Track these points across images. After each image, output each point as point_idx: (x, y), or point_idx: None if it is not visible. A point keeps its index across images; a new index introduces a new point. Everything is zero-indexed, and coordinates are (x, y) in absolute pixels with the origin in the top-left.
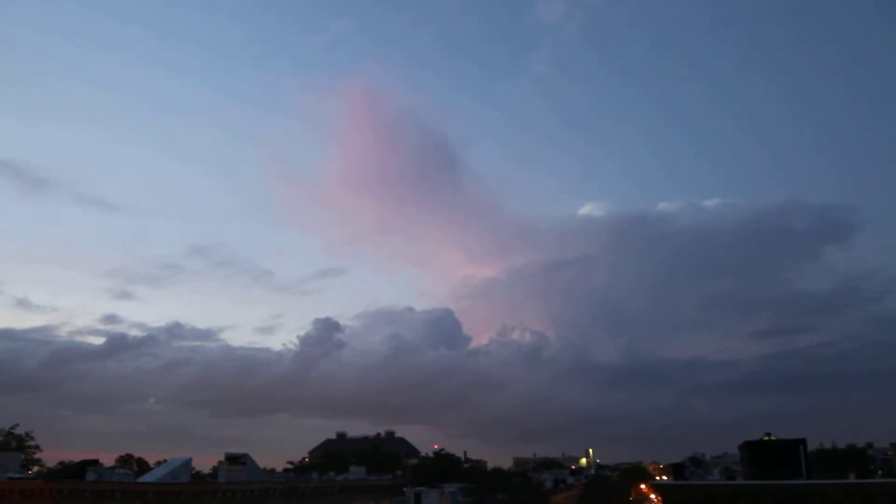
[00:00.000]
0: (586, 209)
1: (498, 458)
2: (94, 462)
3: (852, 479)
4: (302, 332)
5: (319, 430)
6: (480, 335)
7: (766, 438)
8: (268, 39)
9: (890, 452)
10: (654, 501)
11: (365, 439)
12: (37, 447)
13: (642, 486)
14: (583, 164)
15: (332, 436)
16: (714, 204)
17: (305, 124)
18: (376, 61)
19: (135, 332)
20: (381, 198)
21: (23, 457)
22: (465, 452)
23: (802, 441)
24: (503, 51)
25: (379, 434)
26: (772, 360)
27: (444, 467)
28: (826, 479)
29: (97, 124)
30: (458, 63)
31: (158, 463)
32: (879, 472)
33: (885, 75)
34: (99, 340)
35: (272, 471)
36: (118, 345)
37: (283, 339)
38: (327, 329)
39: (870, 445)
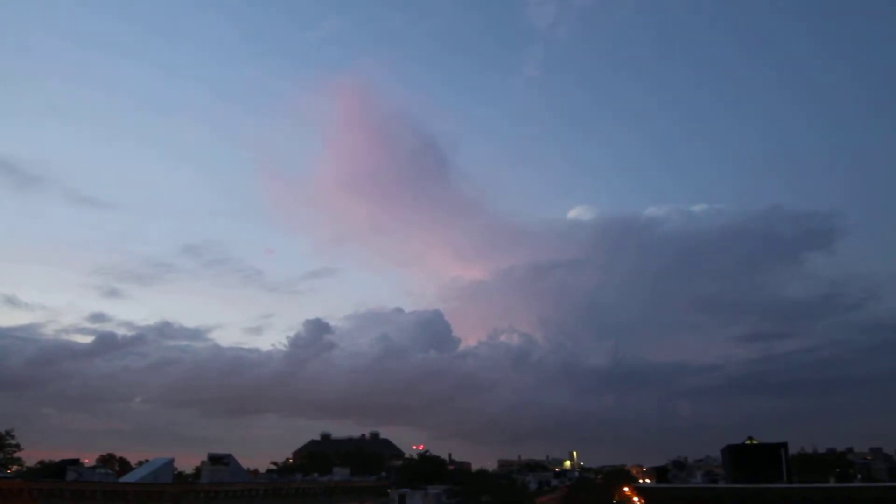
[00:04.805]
0: (575, 212)
1: (482, 460)
2: (75, 461)
3: (832, 484)
4: (291, 333)
5: (305, 431)
6: (468, 337)
7: (748, 442)
8: (260, 37)
9: (869, 457)
10: None
11: (349, 440)
12: (17, 446)
13: (625, 489)
14: (572, 167)
15: (317, 437)
16: (701, 209)
17: (297, 123)
18: (369, 60)
19: (123, 331)
20: (371, 197)
21: (1, 455)
22: (450, 454)
23: (784, 445)
24: (494, 52)
25: (363, 435)
26: (755, 364)
27: (428, 469)
28: (807, 483)
29: (89, 122)
30: (448, 63)
31: (140, 463)
32: (859, 477)
33: (873, 83)
34: (86, 339)
35: (256, 471)
36: (106, 344)
37: (273, 339)
38: (317, 330)
39: (850, 450)
